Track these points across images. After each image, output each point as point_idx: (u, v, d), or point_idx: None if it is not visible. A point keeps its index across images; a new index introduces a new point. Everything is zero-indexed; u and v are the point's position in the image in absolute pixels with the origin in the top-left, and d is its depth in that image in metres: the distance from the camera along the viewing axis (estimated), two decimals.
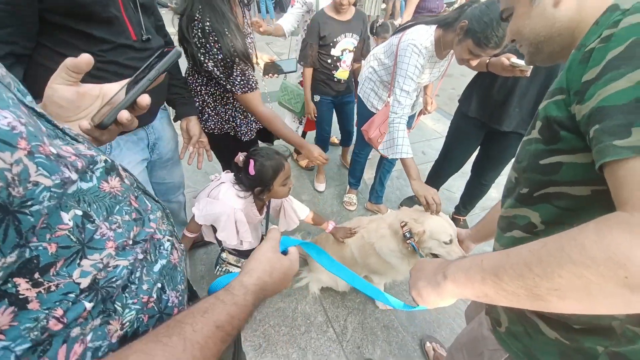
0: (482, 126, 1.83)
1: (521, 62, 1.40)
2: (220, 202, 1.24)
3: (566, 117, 0.50)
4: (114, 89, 0.51)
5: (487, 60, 1.53)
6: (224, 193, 1.25)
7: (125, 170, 0.51)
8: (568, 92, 0.49)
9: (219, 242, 1.44)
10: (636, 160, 0.39)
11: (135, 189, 0.50)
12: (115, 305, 0.41)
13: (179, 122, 1.42)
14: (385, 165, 2.34)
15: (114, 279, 0.40)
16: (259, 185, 1.22)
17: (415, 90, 1.61)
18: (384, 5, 7.43)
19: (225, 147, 1.60)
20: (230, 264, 1.50)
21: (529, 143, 0.60)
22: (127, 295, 0.42)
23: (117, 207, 0.43)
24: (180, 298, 0.53)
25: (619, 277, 0.36)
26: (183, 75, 1.55)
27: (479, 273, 0.51)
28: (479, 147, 2.03)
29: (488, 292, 0.50)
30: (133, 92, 0.49)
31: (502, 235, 0.69)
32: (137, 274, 0.44)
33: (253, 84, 1.30)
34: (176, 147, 1.49)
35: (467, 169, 2.22)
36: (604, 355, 0.54)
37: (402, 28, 1.65)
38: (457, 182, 2.68)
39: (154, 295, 0.47)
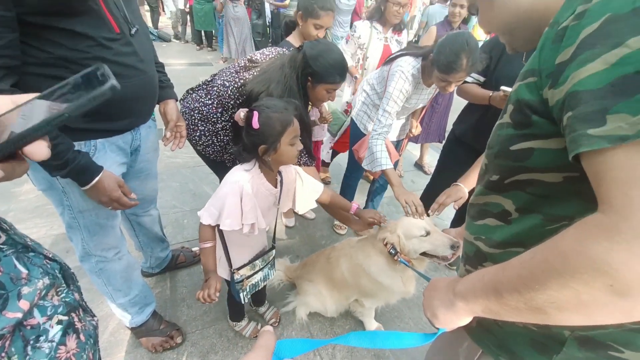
0: (475, 151, 1.87)
1: (510, 90, 1.47)
2: (225, 184, 1.10)
3: (538, 101, 0.47)
4: (2, 106, 0.33)
5: (490, 94, 1.61)
6: (229, 174, 1.13)
7: None
8: (540, 75, 0.46)
9: (230, 263, 1.28)
10: (611, 152, 0.35)
11: (1, 246, 0.34)
12: None
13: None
14: (377, 189, 2.36)
15: None
16: (263, 143, 1.04)
17: (397, 112, 1.72)
18: None
19: (221, 169, 1.62)
20: (249, 277, 1.33)
21: (500, 128, 0.57)
22: None
23: None
24: None
25: (604, 285, 0.35)
26: (192, 88, 1.57)
27: (482, 289, 0.51)
28: None
29: (493, 308, 0.49)
30: (25, 131, 0.31)
31: (472, 223, 0.66)
32: None
33: (306, 160, 1.50)
34: (154, 161, 1.44)
35: None
36: (571, 339, 0.52)
37: (392, 58, 1.77)
38: (447, 210, 2.69)
39: None
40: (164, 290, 1.84)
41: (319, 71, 1.31)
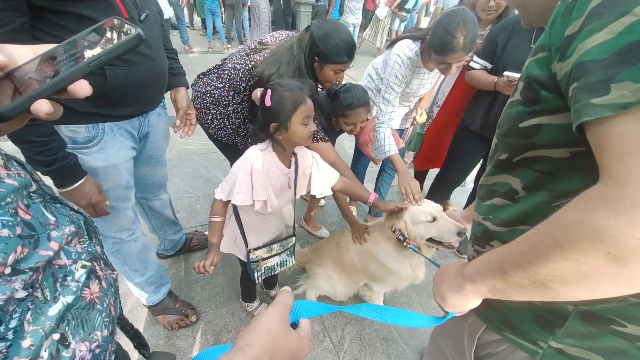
0: (484, 140, 1.86)
1: (514, 75, 1.44)
2: (239, 161, 1.14)
3: (547, 76, 0.47)
4: (21, 55, 0.33)
5: (495, 80, 1.60)
6: (245, 152, 1.16)
7: (15, 163, 0.37)
8: (550, 49, 0.46)
9: (245, 242, 1.31)
10: (613, 120, 0.35)
11: (31, 194, 0.36)
12: None
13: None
14: (384, 177, 2.35)
15: None
16: (275, 121, 1.06)
17: (396, 98, 1.69)
18: (387, 37, 7.79)
19: (233, 153, 1.63)
20: (264, 259, 1.35)
21: (510, 106, 0.57)
22: None
23: None
24: (98, 350, 0.38)
25: (603, 254, 0.35)
26: (203, 72, 1.58)
27: (488, 269, 0.52)
28: (481, 160, 2.05)
29: (499, 287, 0.50)
30: (64, 75, 0.33)
31: (481, 204, 0.67)
32: (12, 323, 0.30)
33: (322, 136, 1.44)
34: (164, 148, 1.46)
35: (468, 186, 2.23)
36: (574, 314, 0.52)
37: (393, 42, 1.73)
38: (458, 199, 2.68)
39: (44, 355, 0.32)
40: (178, 271, 1.90)
41: (325, 51, 1.30)
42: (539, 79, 0.49)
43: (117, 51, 0.36)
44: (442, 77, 1.89)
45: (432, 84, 1.85)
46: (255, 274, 1.36)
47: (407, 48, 1.60)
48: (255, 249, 1.30)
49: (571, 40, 0.41)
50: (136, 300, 1.65)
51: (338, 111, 1.66)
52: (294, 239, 1.43)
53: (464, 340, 0.74)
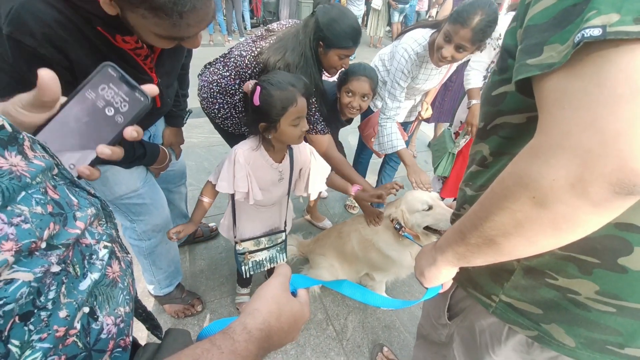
0: None
1: None
2: (231, 150, 1.15)
3: (513, 44, 0.50)
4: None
5: None
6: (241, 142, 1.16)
7: (39, 146, 0.38)
8: (518, 18, 0.49)
9: (234, 231, 1.31)
10: (545, 79, 0.38)
11: (54, 177, 0.38)
12: (9, 346, 0.27)
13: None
14: (387, 169, 2.35)
15: (3, 302, 0.27)
16: (263, 120, 1.02)
17: (402, 93, 1.67)
18: (388, 28, 7.67)
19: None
20: (251, 252, 1.34)
21: (490, 76, 0.61)
22: (30, 327, 0.29)
23: (23, 193, 0.31)
24: (122, 325, 0.40)
25: (529, 198, 0.38)
26: (210, 62, 1.58)
27: (452, 235, 0.55)
28: None
29: (459, 251, 0.53)
30: (128, 122, 0.47)
31: (466, 172, 0.72)
32: (51, 295, 0.32)
33: (322, 128, 1.44)
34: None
35: None
36: (518, 269, 0.57)
37: (403, 32, 1.71)
38: None
39: (77, 325, 0.34)
40: (183, 262, 1.93)
41: (329, 36, 1.29)
42: (507, 47, 0.52)
43: (132, 121, 0.47)
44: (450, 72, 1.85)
45: (440, 79, 1.83)
46: (243, 268, 1.35)
47: (416, 42, 1.57)
48: (242, 240, 1.30)
49: (528, 7, 0.44)
50: (142, 289, 1.69)
51: (342, 82, 1.54)
52: (284, 234, 1.41)
53: (441, 299, 0.79)
